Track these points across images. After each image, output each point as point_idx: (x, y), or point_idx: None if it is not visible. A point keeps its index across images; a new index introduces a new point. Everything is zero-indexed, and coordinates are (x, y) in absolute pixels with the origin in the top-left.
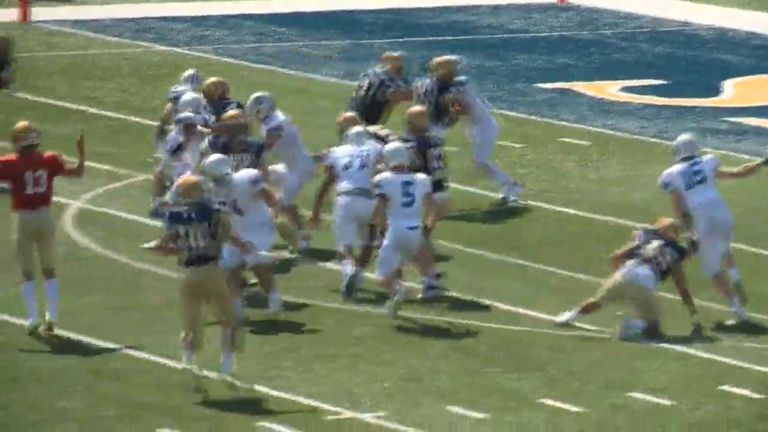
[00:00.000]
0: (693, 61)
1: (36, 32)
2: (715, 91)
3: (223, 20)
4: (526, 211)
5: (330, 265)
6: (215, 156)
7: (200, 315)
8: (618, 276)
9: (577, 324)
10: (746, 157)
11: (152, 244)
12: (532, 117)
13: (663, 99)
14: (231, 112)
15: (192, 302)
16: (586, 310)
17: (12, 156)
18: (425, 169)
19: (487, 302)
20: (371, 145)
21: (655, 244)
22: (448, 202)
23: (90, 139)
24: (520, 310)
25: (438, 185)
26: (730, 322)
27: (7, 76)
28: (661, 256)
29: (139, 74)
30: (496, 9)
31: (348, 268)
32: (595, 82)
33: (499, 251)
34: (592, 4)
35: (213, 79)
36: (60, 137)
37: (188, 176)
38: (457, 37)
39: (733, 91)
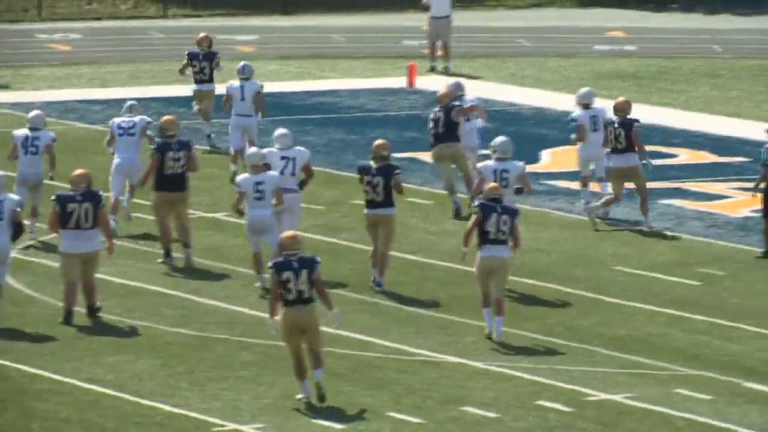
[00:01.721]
0: (516, 134)
1: None
2: (535, 159)
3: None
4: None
5: (220, 303)
6: None
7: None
8: None
9: (417, 350)
10: (558, 213)
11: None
12: None
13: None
14: None
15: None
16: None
17: None
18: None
19: (347, 333)
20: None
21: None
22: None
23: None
24: (373, 339)
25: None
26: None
27: None
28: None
29: (64, 147)
30: (354, 92)
31: None
32: None
33: (360, 291)
34: (436, 88)
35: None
36: None
37: None
38: (324, 116)
39: (549, 159)
